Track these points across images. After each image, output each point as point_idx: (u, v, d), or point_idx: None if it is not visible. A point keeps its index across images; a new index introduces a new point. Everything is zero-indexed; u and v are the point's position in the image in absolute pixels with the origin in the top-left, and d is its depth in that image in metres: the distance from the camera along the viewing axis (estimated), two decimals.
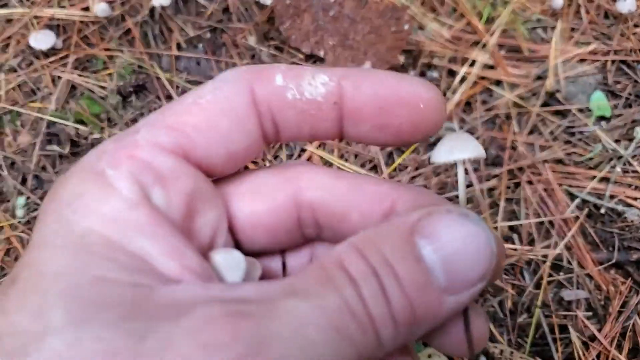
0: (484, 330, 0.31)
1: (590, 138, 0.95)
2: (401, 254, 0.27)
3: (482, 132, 0.94)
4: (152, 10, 1.01)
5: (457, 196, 0.89)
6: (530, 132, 0.96)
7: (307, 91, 0.31)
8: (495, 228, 0.87)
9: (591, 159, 0.93)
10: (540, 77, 1.00)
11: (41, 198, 0.87)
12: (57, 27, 1.00)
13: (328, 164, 0.90)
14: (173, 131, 0.29)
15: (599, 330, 0.81)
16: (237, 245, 0.34)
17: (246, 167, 0.35)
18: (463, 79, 0.99)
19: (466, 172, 0.91)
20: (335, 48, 0.97)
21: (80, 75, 0.96)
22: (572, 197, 0.90)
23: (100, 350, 0.22)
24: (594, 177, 0.91)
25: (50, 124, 0.92)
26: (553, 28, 1.05)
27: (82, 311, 0.23)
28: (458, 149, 0.30)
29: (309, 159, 0.91)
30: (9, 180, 0.88)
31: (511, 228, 0.88)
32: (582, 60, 1.02)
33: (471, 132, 0.95)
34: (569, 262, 0.86)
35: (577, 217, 0.88)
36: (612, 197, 0.90)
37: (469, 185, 0.90)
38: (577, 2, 1.07)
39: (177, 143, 0.29)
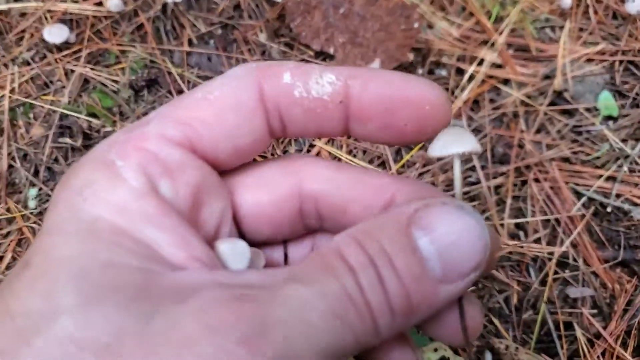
0: (478, 319, 0.32)
1: (597, 137, 0.96)
2: (398, 245, 0.28)
3: (489, 130, 0.95)
4: (165, 6, 1.02)
5: (464, 192, 0.90)
6: (538, 131, 0.96)
7: (314, 89, 0.32)
8: (502, 225, 0.88)
9: (598, 158, 0.94)
10: (548, 77, 1.00)
11: (53, 190, 0.88)
12: (70, 21, 1.01)
13: (336, 159, 0.91)
14: (181, 125, 0.30)
15: (604, 328, 0.82)
16: (242, 235, 0.35)
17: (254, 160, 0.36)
18: (471, 78, 0.99)
19: (473, 169, 0.92)
20: (345, 45, 0.98)
21: (92, 69, 0.97)
22: (579, 195, 0.91)
23: (108, 330, 0.23)
24: (601, 175, 0.91)
25: (63, 116, 0.93)
26: (561, 28, 1.05)
27: (92, 293, 0.24)
28: (453, 144, 0.31)
29: (318, 154, 0.92)
30: (22, 171, 0.89)
31: (517, 225, 0.89)
32: (590, 60, 1.03)
33: (479, 130, 0.95)
34: (575, 260, 0.86)
35: (583, 215, 0.88)
36: (618, 196, 0.90)
37: (476, 182, 0.91)
38: (585, 2, 1.08)
39: (185, 136, 0.30)
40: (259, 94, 0.31)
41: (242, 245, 0.32)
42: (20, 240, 0.85)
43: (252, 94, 0.31)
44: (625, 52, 1.03)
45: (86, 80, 0.97)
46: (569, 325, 0.83)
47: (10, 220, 0.86)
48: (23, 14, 1.02)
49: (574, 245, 0.87)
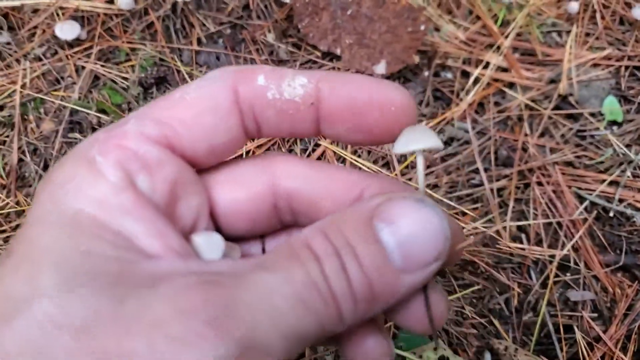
0: (443, 307, 0.33)
1: (601, 142, 0.96)
2: (361, 236, 0.29)
3: (494, 132, 0.96)
4: (175, 4, 1.03)
5: (467, 194, 0.91)
6: (542, 135, 0.97)
7: (286, 92, 0.33)
8: (504, 228, 0.88)
9: (602, 162, 0.94)
10: (554, 81, 1.01)
11: None
12: (81, 18, 1.03)
13: (341, 159, 0.92)
14: (159, 124, 0.32)
15: (605, 332, 0.82)
16: (219, 231, 0.36)
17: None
18: (477, 80, 1.00)
19: (477, 171, 0.92)
20: (352, 46, 0.99)
21: (103, 66, 0.98)
22: (581, 199, 0.91)
23: (85, 312, 0.24)
24: (604, 180, 0.92)
25: (73, 112, 0.94)
26: (568, 32, 1.06)
27: (71, 279, 0.26)
28: (415, 141, 0.32)
29: (323, 153, 0.93)
30: (32, 165, 0.91)
31: (519, 228, 0.89)
32: (596, 65, 1.03)
33: (483, 132, 0.96)
34: (576, 264, 0.87)
35: (585, 219, 0.89)
36: (621, 200, 0.91)
37: (479, 184, 0.92)
38: (592, 8, 1.08)
39: (163, 134, 0.32)
40: (234, 96, 0.33)
41: (216, 237, 0.33)
42: None
43: (227, 96, 0.33)
44: (632, 58, 1.04)
45: (96, 77, 0.98)
46: (569, 328, 0.83)
47: (19, 214, 0.87)
48: (35, 11, 1.03)
49: (575, 248, 0.88)
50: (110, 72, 0.98)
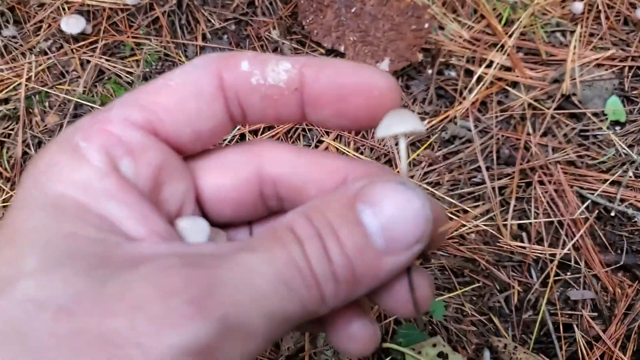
0: (427, 290, 0.33)
1: (603, 142, 0.96)
2: (343, 218, 0.29)
3: (496, 131, 0.96)
4: (180, 0, 1.04)
5: (469, 193, 0.91)
6: (544, 134, 0.97)
7: (270, 77, 0.33)
8: (505, 226, 0.88)
9: (604, 162, 0.94)
10: (557, 81, 1.01)
11: None
12: (87, 12, 1.03)
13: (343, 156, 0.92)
14: (143, 109, 0.32)
15: (604, 331, 0.83)
16: (206, 217, 0.36)
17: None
18: (480, 79, 1.00)
19: (479, 169, 0.93)
20: (356, 44, 0.99)
21: (108, 60, 0.99)
22: (583, 199, 0.91)
23: (67, 292, 0.25)
24: (606, 180, 0.92)
25: (78, 105, 0.95)
26: (572, 32, 1.06)
27: (53, 260, 0.26)
28: (396, 125, 0.32)
29: (325, 150, 0.93)
30: None
31: (520, 226, 0.90)
32: (599, 65, 1.03)
33: (486, 131, 0.96)
34: (577, 263, 0.87)
35: (586, 219, 0.89)
36: (622, 200, 0.91)
37: (481, 183, 0.92)
38: (597, 8, 1.08)
39: (147, 120, 0.32)
40: (218, 82, 0.33)
41: (201, 222, 0.33)
42: None
43: (211, 81, 0.33)
44: (635, 58, 1.04)
45: (101, 71, 0.99)
46: (568, 327, 0.84)
47: None
48: (41, 5, 1.04)
49: (576, 248, 0.88)
50: (115, 67, 0.98)
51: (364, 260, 0.29)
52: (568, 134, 0.97)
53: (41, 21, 1.03)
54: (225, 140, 0.90)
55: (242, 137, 0.93)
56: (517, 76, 1.01)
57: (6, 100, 0.96)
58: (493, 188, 0.91)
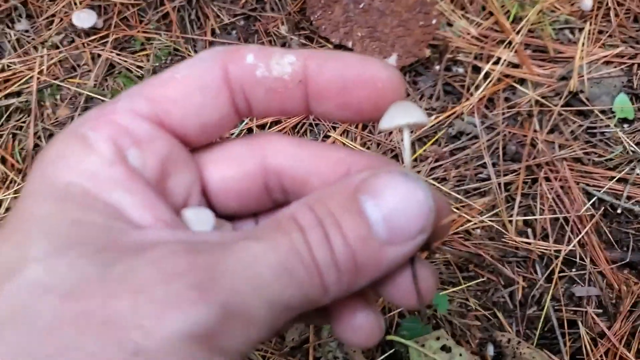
0: (430, 282, 0.33)
1: (611, 139, 0.96)
2: (345, 208, 0.30)
3: (503, 128, 0.96)
4: None
5: (475, 188, 0.91)
6: (551, 131, 0.97)
7: (275, 70, 0.34)
8: (510, 222, 0.89)
9: (611, 159, 0.94)
10: (565, 78, 1.01)
11: None
12: (98, 7, 1.04)
13: None
14: (150, 101, 0.32)
15: (609, 328, 0.83)
16: (212, 209, 0.37)
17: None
18: (487, 76, 1.00)
19: (485, 165, 0.93)
20: (364, 39, 1.00)
21: (118, 55, 1.00)
22: (589, 195, 0.91)
23: (73, 276, 0.25)
24: (612, 177, 0.92)
25: (89, 99, 0.96)
26: (581, 30, 1.06)
27: (60, 245, 0.27)
28: (399, 116, 0.32)
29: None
30: None
31: (526, 222, 0.90)
32: (608, 63, 1.03)
33: (493, 127, 0.96)
34: (582, 259, 0.87)
35: (592, 216, 0.89)
36: (629, 198, 0.91)
37: (487, 178, 0.92)
38: (607, 5, 1.08)
39: (154, 111, 0.32)
40: (223, 74, 0.33)
41: (206, 212, 0.34)
42: None
43: (217, 74, 0.33)
44: None
45: (112, 65, 1.00)
46: (572, 324, 0.84)
47: None
48: None
49: (581, 244, 0.88)
50: (125, 61, 1.00)
51: (366, 250, 0.29)
52: (575, 131, 0.97)
53: (53, 15, 1.04)
54: (232, 134, 0.91)
55: (250, 131, 0.94)
56: (525, 73, 1.01)
57: (18, 93, 0.97)
58: (499, 184, 0.91)
